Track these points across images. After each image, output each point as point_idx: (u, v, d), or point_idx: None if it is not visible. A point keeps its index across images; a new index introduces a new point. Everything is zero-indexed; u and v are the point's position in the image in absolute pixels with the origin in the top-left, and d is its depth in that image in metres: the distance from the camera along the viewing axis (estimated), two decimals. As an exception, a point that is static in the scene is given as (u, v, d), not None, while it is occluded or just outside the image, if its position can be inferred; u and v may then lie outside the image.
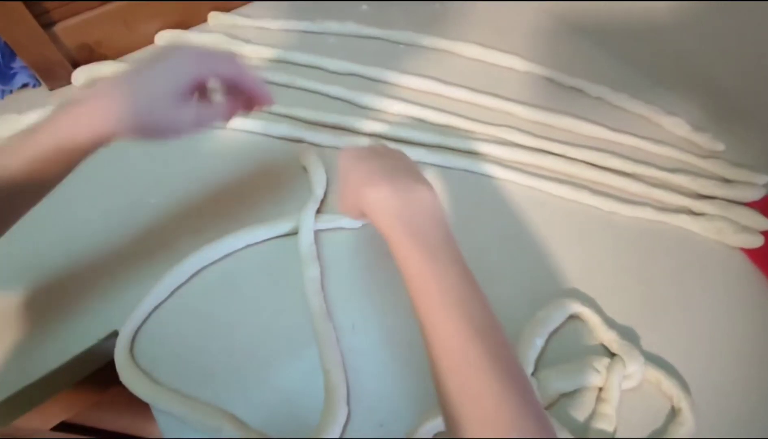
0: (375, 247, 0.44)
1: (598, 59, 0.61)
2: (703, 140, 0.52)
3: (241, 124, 0.51)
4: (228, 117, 0.35)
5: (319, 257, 0.42)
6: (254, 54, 0.58)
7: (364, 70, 0.57)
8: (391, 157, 0.35)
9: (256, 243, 0.44)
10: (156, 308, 0.40)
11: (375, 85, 0.56)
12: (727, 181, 0.49)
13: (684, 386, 0.37)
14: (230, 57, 0.33)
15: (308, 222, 0.43)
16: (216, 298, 0.41)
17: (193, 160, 0.49)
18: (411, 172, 0.34)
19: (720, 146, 0.51)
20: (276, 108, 0.52)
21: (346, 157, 0.36)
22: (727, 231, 0.45)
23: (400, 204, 0.31)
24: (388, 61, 0.58)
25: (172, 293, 0.41)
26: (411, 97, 0.54)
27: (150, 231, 0.44)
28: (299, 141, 0.50)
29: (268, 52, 0.57)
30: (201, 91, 0.35)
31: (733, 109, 0.53)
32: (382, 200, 0.31)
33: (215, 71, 0.33)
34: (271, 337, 0.39)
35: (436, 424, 0.34)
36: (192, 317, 0.40)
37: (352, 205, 0.34)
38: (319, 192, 0.45)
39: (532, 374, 0.37)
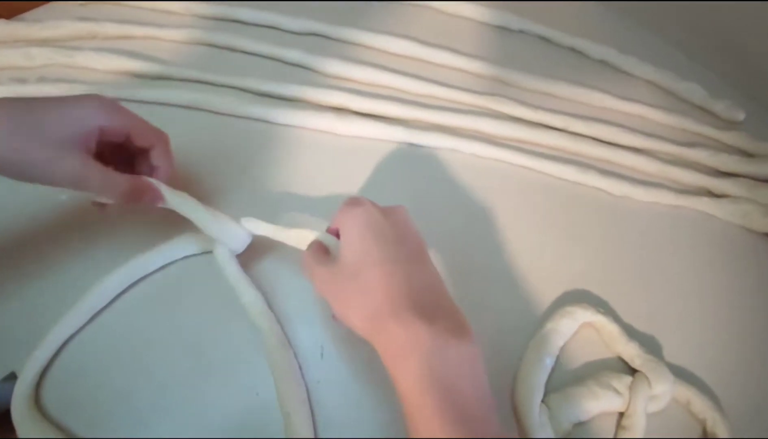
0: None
1: (601, 16, 0.53)
2: (722, 109, 0.45)
3: (178, 96, 0.41)
4: (125, 193, 0.29)
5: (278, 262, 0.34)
6: (190, 11, 0.47)
7: (328, 29, 0.47)
8: (418, 258, 0.27)
9: (204, 253, 0.35)
10: (70, 338, 0.31)
11: (341, 47, 0.46)
12: (749, 155, 0.43)
13: (717, 405, 0.32)
14: (146, 125, 0.31)
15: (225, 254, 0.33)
16: (148, 323, 0.32)
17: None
18: (448, 299, 0.26)
19: (740, 115, 0.45)
20: (219, 77, 0.42)
21: (359, 230, 0.26)
22: (754, 215, 0.39)
23: (439, 359, 0.22)
24: (358, 19, 0.49)
25: (92, 318, 0.32)
26: (385, 62, 0.45)
27: (60, 237, 0.35)
28: (248, 118, 0.41)
29: (207, 9, 0.47)
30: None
31: (754, 72, 0.46)
32: (416, 349, 0.22)
33: (125, 130, 0.29)
34: (221, 370, 0.31)
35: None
36: (118, 349, 0.31)
37: (356, 319, 0.25)
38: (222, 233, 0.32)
39: (542, 400, 0.31)
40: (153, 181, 0.30)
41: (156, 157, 0.31)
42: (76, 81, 0.41)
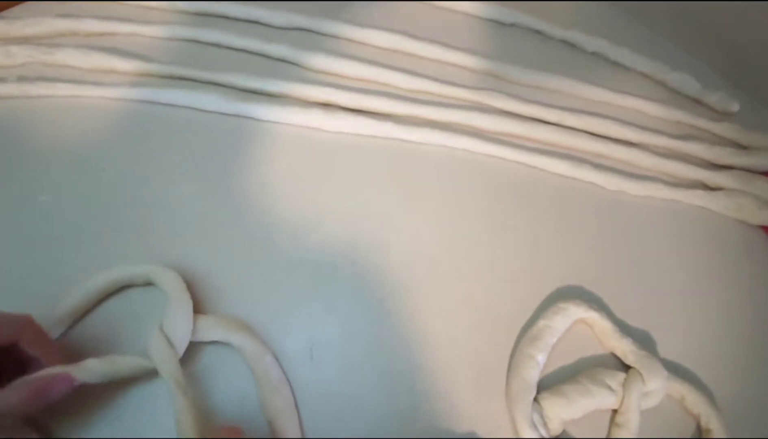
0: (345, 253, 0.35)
1: (593, 9, 0.52)
2: (715, 100, 0.45)
3: (161, 94, 0.40)
4: (30, 399, 0.24)
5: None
6: (173, 7, 0.46)
7: (314, 24, 0.46)
8: None
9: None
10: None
11: (328, 42, 0.46)
12: (743, 147, 0.43)
13: (712, 401, 0.31)
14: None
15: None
16: (132, 327, 0.31)
17: (102, 138, 0.38)
18: None
19: (734, 106, 0.45)
20: (203, 74, 0.41)
21: None
22: (749, 208, 0.39)
23: None
24: (345, 13, 0.48)
25: (75, 323, 0.31)
26: (373, 57, 0.44)
27: (39, 241, 0.34)
28: (233, 115, 0.40)
29: (191, 4, 0.46)
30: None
31: (746, 63, 0.45)
32: None
33: None
34: (206, 373, 0.30)
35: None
36: (101, 353, 0.30)
37: None
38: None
39: (535, 398, 0.30)
40: (52, 369, 0.25)
41: (29, 348, 0.25)
42: (57, 79, 0.40)
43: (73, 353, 0.29)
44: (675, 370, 0.32)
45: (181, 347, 0.28)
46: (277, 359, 0.31)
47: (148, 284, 0.32)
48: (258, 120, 0.40)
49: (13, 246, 0.33)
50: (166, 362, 0.27)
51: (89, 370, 0.26)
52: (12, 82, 0.39)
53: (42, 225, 0.34)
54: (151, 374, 0.28)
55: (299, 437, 0.28)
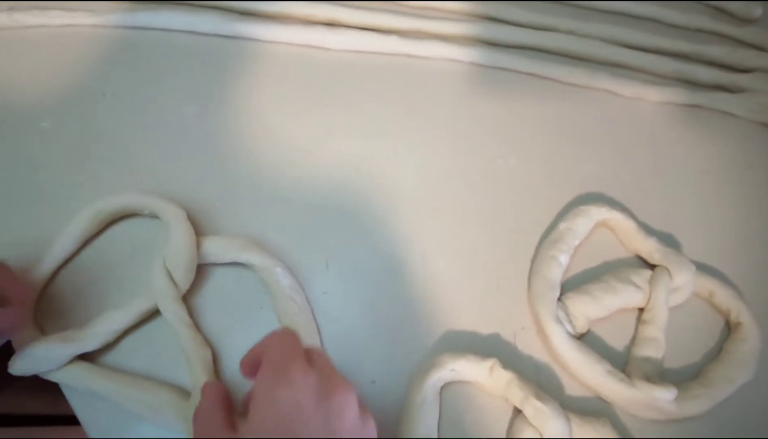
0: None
1: None
2: (738, 6, 0.43)
3: (158, 18, 0.38)
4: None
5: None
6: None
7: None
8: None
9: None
10: (64, 264, 0.30)
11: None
12: (765, 51, 0.41)
13: (741, 296, 0.30)
14: None
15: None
16: (146, 246, 0.31)
17: (99, 65, 0.37)
18: None
19: (757, 11, 0.43)
20: (200, -3, 0.40)
21: (273, 428, 0.18)
22: (773, 108, 0.37)
23: None
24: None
25: (85, 244, 0.31)
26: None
27: (42, 166, 0.33)
28: (233, 37, 0.39)
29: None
30: None
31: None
32: None
33: None
34: (220, 291, 0.30)
35: (442, 375, 0.26)
36: (113, 274, 0.30)
37: None
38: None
39: (558, 298, 0.29)
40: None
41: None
42: (51, 8, 0.38)
43: (74, 284, 0.29)
44: (702, 270, 0.31)
45: (186, 278, 0.28)
46: (291, 270, 0.30)
47: (154, 216, 0.31)
48: (259, 41, 0.38)
49: (17, 172, 0.32)
50: (165, 297, 0.27)
51: (90, 338, 0.26)
52: (3, 11, 0.38)
53: (45, 151, 0.33)
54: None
55: (316, 339, 0.28)
